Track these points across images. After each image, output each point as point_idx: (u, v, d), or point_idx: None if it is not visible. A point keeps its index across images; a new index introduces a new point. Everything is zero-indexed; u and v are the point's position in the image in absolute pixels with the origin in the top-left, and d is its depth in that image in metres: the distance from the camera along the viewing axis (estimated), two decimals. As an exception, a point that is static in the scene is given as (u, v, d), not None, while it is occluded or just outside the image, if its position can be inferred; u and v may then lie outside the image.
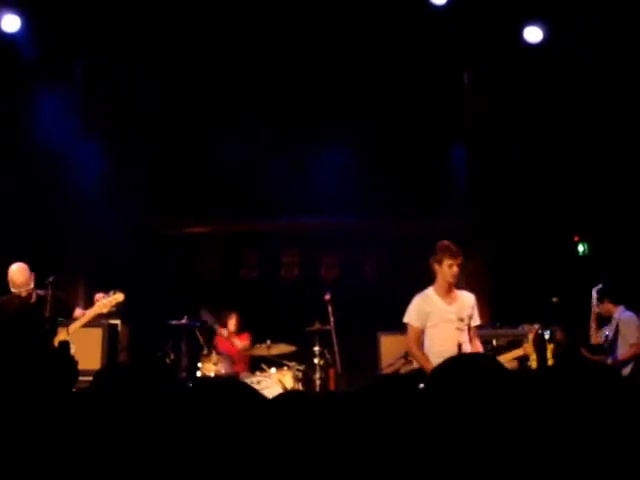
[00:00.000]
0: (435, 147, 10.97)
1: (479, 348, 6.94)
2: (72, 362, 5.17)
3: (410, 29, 9.81)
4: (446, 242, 6.93)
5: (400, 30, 9.80)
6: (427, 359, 6.55)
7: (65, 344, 5.40)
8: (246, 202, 11.12)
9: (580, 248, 10.52)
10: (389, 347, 8.97)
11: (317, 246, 11.51)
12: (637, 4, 9.16)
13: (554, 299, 8.66)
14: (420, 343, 6.83)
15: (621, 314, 8.43)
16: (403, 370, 8.42)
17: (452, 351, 6.42)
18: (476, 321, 6.93)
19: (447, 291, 6.88)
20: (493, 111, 10.61)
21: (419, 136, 10.78)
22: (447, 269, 6.77)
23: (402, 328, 8.51)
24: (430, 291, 6.95)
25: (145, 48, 10.13)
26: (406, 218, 11.19)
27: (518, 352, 7.53)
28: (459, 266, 6.79)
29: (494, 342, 8.51)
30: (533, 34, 9.82)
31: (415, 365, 6.98)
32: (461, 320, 6.78)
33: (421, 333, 6.84)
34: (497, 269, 9.26)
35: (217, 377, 8.17)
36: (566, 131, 10.30)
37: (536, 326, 8.15)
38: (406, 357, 8.40)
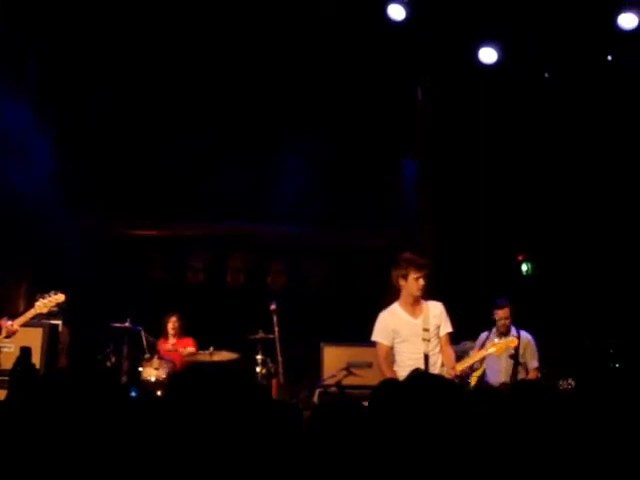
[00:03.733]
0: (387, 161, 11.04)
1: (451, 356, 6.85)
2: (33, 369, 5.11)
3: (367, 44, 9.83)
4: (409, 254, 6.82)
5: (356, 45, 9.81)
6: (394, 376, 6.25)
7: (27, 350, 5.32)
8: (195, 206, 11.02)
9: (524, 267, 10.60)
10: (332, 358, 8.98)
11: (265, 253, 11.48)
12: (589, 26, 9.31)
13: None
14: (390, 360, 6.77)
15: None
16: (345, 382, 8.51)
17: (421, 363, 6.49)
18: (446, 329, 6.80)
19: (413, 304, 6.77)
20: (444, 128, 10.67)
21: (372, 150, 10.83)
22: (413, 283, 6.67)
23: (345, 339, 8.92)
24: (395, 307, 6.85)
25: (100, 49, 9.99)
26: (355, 229, 11.22)
27: (481, 354, 7.49)
28: (425, 278, 6.67)
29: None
30: (488, 55, 9.90)
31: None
32: (426, 330, 6.68)
33: (390, 350, 6.76)
34: (442, 284, 9.30)
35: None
36: (514, 150, 10.43)
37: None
38: (348, 369, 8.57)
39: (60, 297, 7.32)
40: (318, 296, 11.05)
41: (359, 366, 8.51)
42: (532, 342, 8.17)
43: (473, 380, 7.95)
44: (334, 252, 11.46)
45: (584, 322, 9.87)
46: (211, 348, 9.34)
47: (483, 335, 8.30)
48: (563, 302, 10.03)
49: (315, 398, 8.57)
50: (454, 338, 8.03)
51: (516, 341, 7.50)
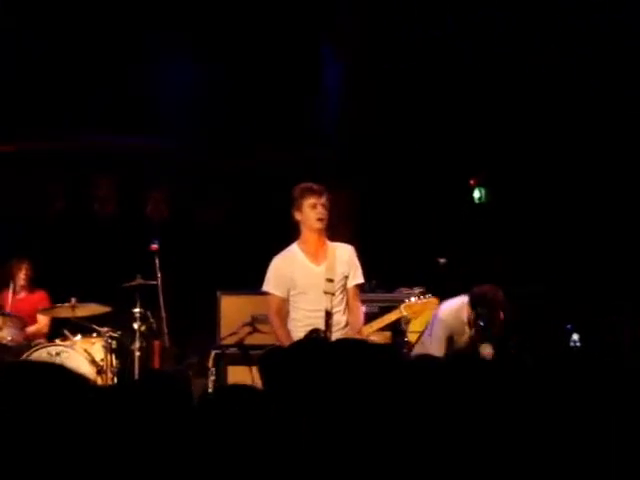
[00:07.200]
0: (301, 60, 10.01)
1: (358, 315, 6.42)
2: None
3: None
4: (303, 183, 6.45)
5: None
6: (288, 336, 6.04)
7: None
8: (54, 115, 9.87)
9: (476, 194, 10.28)
10: (231, 311, 8.16)
11: (142, 176, 10.38)
12: None
13: (441, 260, 8.11)
14: (284, 314, 6.37)
15: None
16: (248, 340, 7.76)
17: (321, 322, 6.20)
18: (355, 279, 6.36)
19: (315, 246, 6.34)
20: (377, 22, 9.74)
21: (281, 46, 9.85)
22: (309, 210, 6.20)
23: (248, 287, 8.05)
24: (294, 248, 6.41)
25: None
26: (259, 150, 10.26)
27: (392, 316, 6.80)
28: (324, 207, 6.21)
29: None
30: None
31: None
32: (330, 281, 6.25)
33: (284, 302, 6.35)
34: (371, 214, 8.72)
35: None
36: (464, 52, 9.67)
37: (417, 290, 7.53)
38: (252, 324, 7.80)
39: None
40: (212, 233, 10.24)
41: (267, 321, 7.49)
42: None
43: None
44: (232, 177, 10.49)
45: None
46: (73, 300, 8.16)
47: None
48: (517, 231, 9.76)
49: (210, 362, 7.91)
50: (389, 282, 8.06)
51: (436, 301, 6.90)
